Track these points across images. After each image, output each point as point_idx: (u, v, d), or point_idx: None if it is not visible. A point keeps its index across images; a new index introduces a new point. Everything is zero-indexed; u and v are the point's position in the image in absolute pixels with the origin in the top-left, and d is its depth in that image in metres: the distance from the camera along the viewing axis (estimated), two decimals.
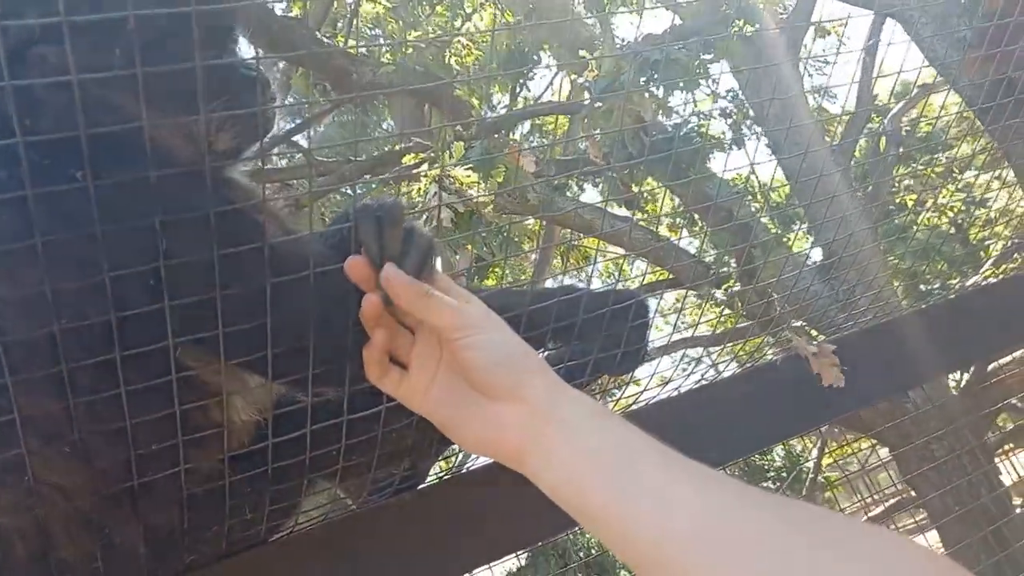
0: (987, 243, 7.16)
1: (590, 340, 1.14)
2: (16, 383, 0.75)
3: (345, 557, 1.17)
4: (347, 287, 0.84)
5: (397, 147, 4.67)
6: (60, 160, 0.71)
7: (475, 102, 5.39)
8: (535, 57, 5.46)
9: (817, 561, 0.58)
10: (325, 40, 4.72)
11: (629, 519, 0.67)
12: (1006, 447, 6.24)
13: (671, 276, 5.72)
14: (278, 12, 5.91)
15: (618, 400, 1.63)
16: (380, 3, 6.74)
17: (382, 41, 7.50)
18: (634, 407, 1.52)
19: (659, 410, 1.47)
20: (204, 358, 0.85)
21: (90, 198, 0.69)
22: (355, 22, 6.32)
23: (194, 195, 0.77)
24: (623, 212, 5.94)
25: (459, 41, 6.86)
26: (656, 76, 3.05)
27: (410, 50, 6.63)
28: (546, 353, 1.18)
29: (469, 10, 7.23)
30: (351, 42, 5.95)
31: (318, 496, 1.15)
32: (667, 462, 0.70)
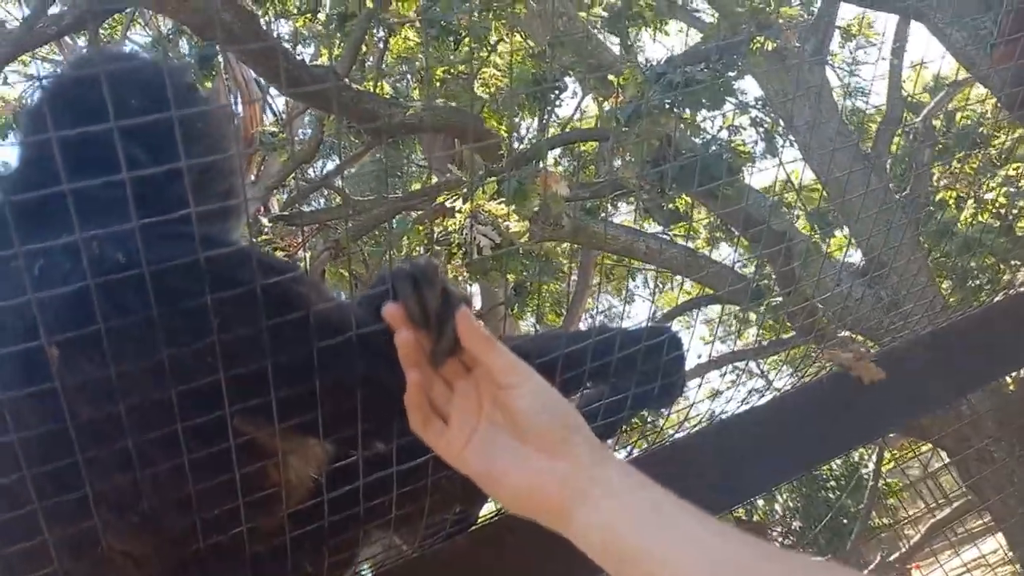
0: None
1: (626, 378, 1.17)
2: (87, 461, 0.80)
3: None
4: (388, 346, 0.87)
5: (430, 182, 4.76)
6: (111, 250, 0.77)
7: (504, 132, 5.45)
8: (561, 84, 5.52)
9: None
10: (355, 86, 4.82)
11: (673, 563, 0.70)
12: None
13: (711, 291, 5.71)
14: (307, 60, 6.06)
15: (668, 417, 1.64)
16: (408, 39, 6.86)
17: (409, 79, 7.62)
18: (680, 433, 1.55)
19: (705, 439, 1.48)
20: (259, 423, 0.89)
21: (145, 285, 0.75)
22: (384, 61, 6.44)
23: (239, 274, 0.81)
24: (657, 229, 5.95)
25: (486, 72, 6.95)
26: (680, 98, 3.08)
27: (438, 84, 6.74)
28: (584, 391, 1.21)
29: (494, 39, 7.32)
30: (381, 84, 6.06)
31: (373, 547, 1.19)
32: (702, 519, 0.73)
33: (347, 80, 4.59)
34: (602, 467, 0.79)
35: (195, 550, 0.92)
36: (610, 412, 1.19)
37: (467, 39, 5.70)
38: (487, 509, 1.34)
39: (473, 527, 1.27)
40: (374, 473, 1.00)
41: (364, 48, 5.44)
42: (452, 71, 6.81)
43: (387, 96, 6.60)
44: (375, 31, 5.68)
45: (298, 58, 6.23)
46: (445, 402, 0.87)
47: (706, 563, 0.69)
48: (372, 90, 5.27)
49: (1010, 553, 5.31)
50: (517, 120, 6.51)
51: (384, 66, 6.64)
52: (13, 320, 0.79)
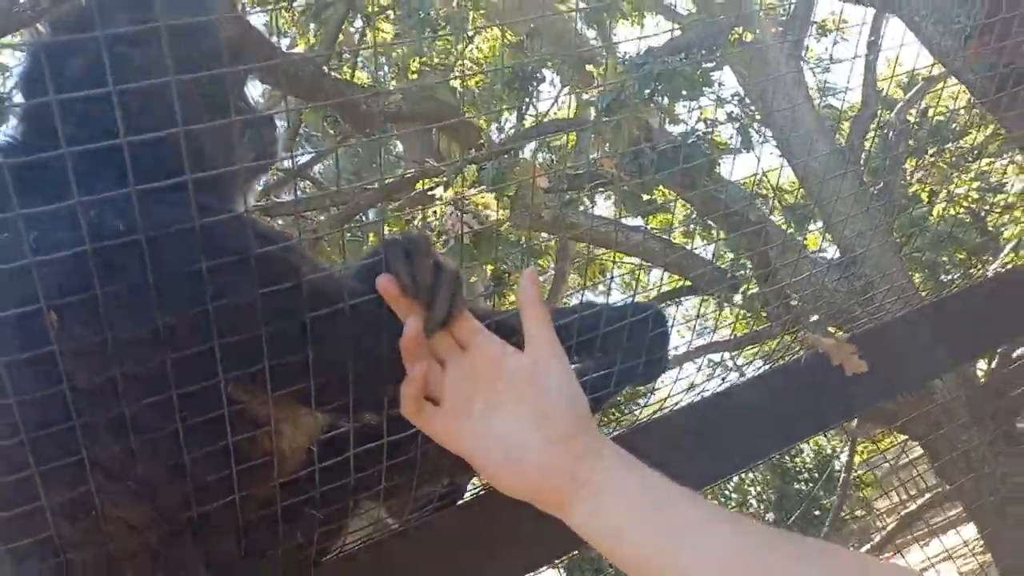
0: (1003, 229, 7.14)
1: (612, 353, 1.19)
2: (83, 426, 0.80)
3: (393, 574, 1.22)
4: (379, 317, 0.89)
5: (409, 173, 4.76)
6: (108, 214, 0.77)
7: (483, 123, 5.46)
8: (539, 75, 5.53)
9: None
10: (334, 74, 4.81)
11: (666, 550, 0.72)
12: None
13: (689, 283, 5.75)
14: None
15: (644, 407, 1.67)
16: (382, 30, 6.84)
17: (386, 69, 7.60)
18: (658, 414, 1.57)
19: (684, 416, 1.51)
20: (252, 391, 0.90)
21: (142, 250, 0.75)
22: (371, 51, 6.42)
23: (234, 241, 0.82)
24: (637, 222, 5.98)
25: (463, 64, 6.95)
26: (660, 87, 3.11)
27: (414, 75, 6.73)
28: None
29: (471, 32, 7.33)
30: (358, 74, 6.05)
31: (361, 519, 1.20)
32: (697, 503, 0.75)
33: (326, 68, 4.58)
34: (604, 459, 0.80)
35: (188, 517, 0.93)
36: (595, 388, 1.20)
37: (444, 29, 5.71)
38: (476, 482, 1.36)
39: (461, 500, 1.29)
40: (365, 444, 1.01)
41: (341, 36, 5.43)
42: (428, 63, 6.81)
43: (366, 85, 6.59)
44: (352, 21, 5.67)
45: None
46: (437, 384, 0.87)
47: (704, 556, 0.71)
48: (351, 79, 5.27)
49: (980, 542, 5.41)
50: (497, 111, 6.52)
51: (360, 58, 6.62)
52: (11, 285, 0.79)
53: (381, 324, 0.88)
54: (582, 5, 5.92)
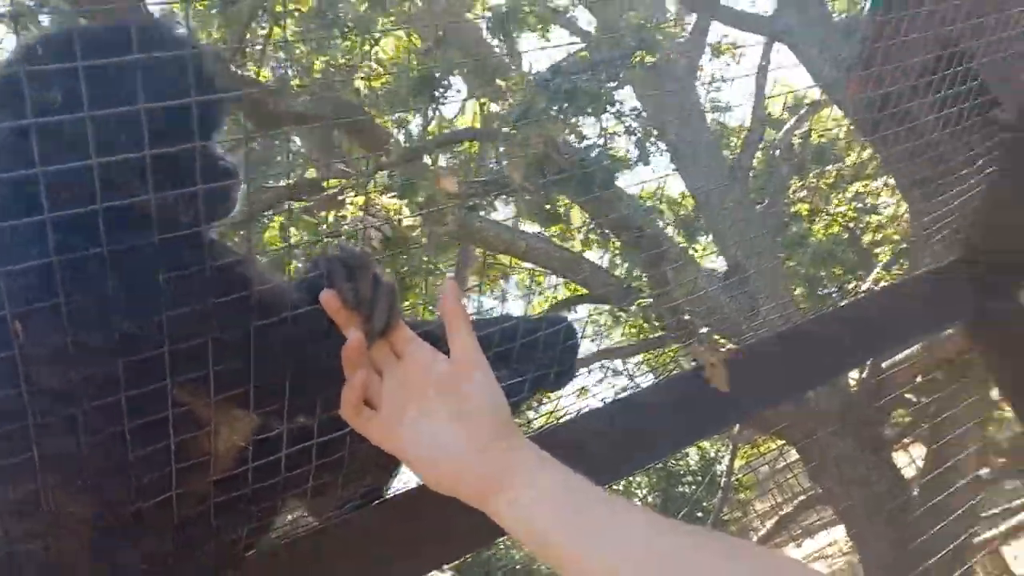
0: (877, 249, 7.60)
1: (526, 362, 1.29)
2: (37, 426, 0.85)
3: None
4: (319, 327, 0.96)
5: (312, 174, 4.76)
6: (76, 231, 0.82)
7: (389, 125, 5.50)
8: (446, 82, 5.61)
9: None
10: (239, 72, 4.77)
11: (587, 548, 0.79)
12: (904, 440, 6.66)
13: (586, 292, 5.94)
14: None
15: (543, 414, 1.77)
16: (286, 27, 6.77)
17: (290, 71, 7.53)
18: (560, 420, 1.67)
19: (583, 423, 1.61)
20: (197, 394, 0.96)
21: (105, 264, 0.81)
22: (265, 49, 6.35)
23: (189, 257, 0.88)
24: (535, 229, 6.13)
25: (368, 65, 6.95)
26: (567, 105, 3.24)
27: (318, 75, 6.69)
28: None
29: (378, 34, 7.32)
30: (263, 71, 5.98)
31: (283, 518, 1.26)
32: (610, 499, 0.83)
33: (232, 66, 4.54)
34: (523, 457, 0.87)
35: (128, 513, 0.97)
36: (510, 394, 1.29)
37: (352, 31, 5.72)
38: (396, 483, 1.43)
39: (381, 500, 1.36)
40: (297, 444, 1.07)
41: (248, 34, 5.37)
42: (333, 62, 6.77)
43: (270, 83, 6.51)
44: (259, 19, 5.61)
45: None
46: (375, 390, 0.93)
47: (621, 555, 0.77)
48: (256, 76, 5.22)
49: (850, 543, 5.77)
50: (404, 116, 6.55)
51: (267, 52, 6.54)
52: None
53: (321, 334, 0.95)
54: (488, 14, 6.04)
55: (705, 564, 0.75)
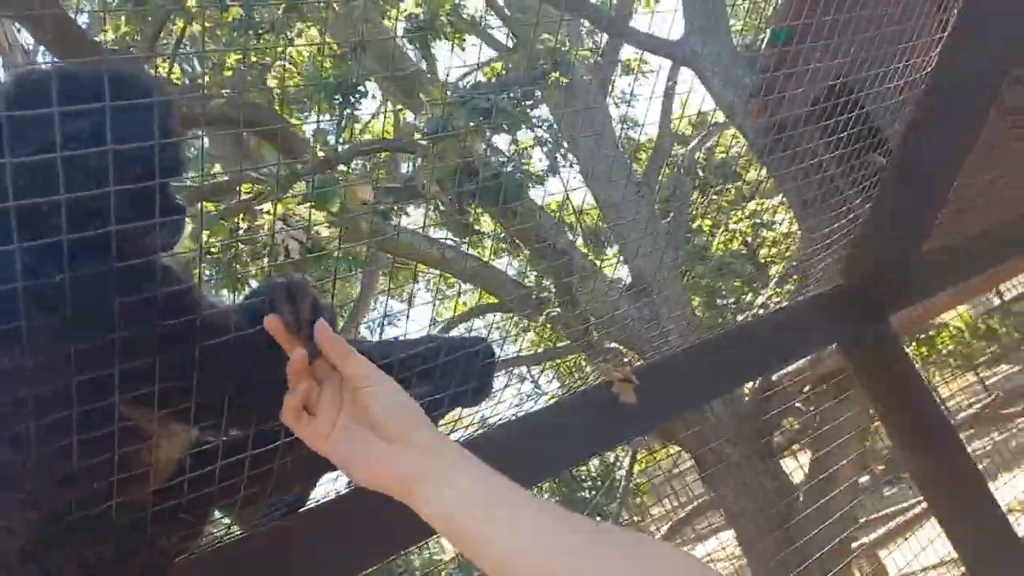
0: (773, 263, 7.97)
1: (447, 379, 1.38)
2: None
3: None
4: (262, 350, 1.03)
5: (222, 177, 4.72)
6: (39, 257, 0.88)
7: (305, 132, 5.50)
8: (362, 88, 5.64)
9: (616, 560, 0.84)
10: (152, 72, 4.70)
11: (494, 538, 0.89)
12: (793, 447, 7.01)
13: (495, 300, 6.05)
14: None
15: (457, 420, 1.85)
16: (197, 24, 6.67)
17: (197, 64, 7.41)
18: (479, 431, 1.77)
19: (500, 432, 1.72)
20: (141, 410, 1.02)
21: (64, 288, 0.87)
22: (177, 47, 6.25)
23: (142, 283, 0.95)
24: (445, 234, 6.22)
25: (281, 65, 6.90)
26: (484, 121, 3.34)
27: (228, 73, 6.61)
28: (412, 391, 1.41)
29: (292, 35, 7.27)
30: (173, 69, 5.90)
31: (214, 524, 1.32)
32: (518, 491, 0.93)
33: (146, 66, 4.47)
34: (442, 456, 0.97)
35: (67, 523, 1.02)
36: (431, 409, 1.39)
37: (266, 34, 5.69)
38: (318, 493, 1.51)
39: (303, 509, 1.43)
40: (231, 456, 1.14)
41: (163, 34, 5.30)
42: (245, 61, 6.70)
43: (180, 82, 6.42)
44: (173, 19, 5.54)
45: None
46: (314, 399, 1.03)
47: (528, 544, 0.87)
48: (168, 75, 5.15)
49: (740, 547, 6.04)
50: (321, 124, 6.54)
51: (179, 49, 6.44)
52: None
53: (262, 354, 1.03)
54: (403, 24, 6.09)
55: (607, 552, 0.85)
